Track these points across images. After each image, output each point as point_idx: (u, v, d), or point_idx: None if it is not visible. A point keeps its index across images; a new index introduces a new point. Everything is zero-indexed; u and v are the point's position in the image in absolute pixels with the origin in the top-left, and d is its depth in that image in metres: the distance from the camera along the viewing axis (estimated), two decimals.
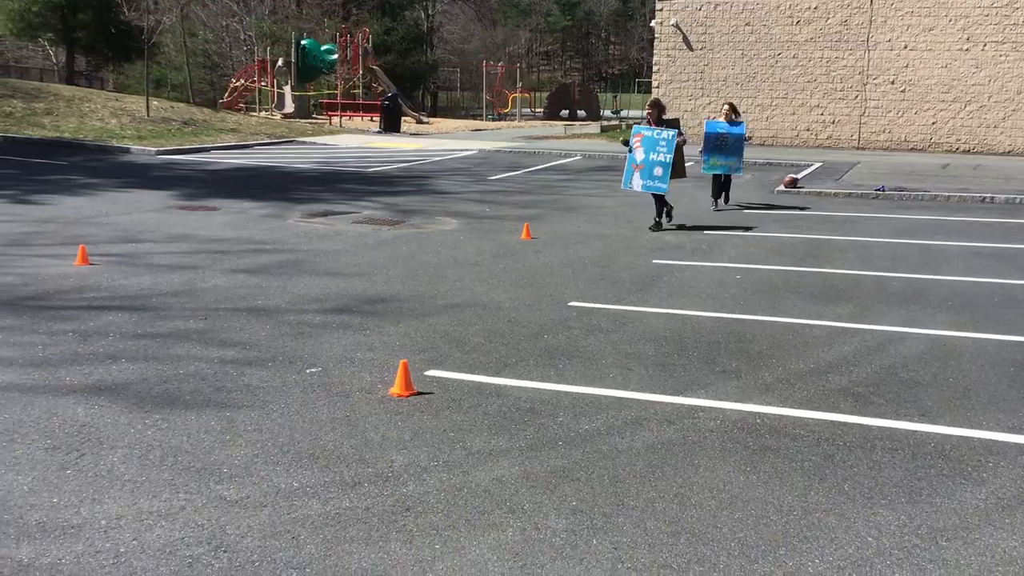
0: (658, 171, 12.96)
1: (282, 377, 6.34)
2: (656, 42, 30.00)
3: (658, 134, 13.04)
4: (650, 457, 5.11)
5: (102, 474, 4.73)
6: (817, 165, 22.66)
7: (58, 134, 24.90)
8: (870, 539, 4.19)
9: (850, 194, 17.56)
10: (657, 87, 29.88)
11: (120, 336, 7.21)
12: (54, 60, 53.64)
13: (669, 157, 12.92)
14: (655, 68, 30.08)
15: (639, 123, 14.22)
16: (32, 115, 27.08)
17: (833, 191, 17.83)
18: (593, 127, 39.29)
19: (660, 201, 13.21)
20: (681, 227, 13.24)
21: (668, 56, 29.63)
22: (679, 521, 4.36)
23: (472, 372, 6.53)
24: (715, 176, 15.39)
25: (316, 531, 4.19)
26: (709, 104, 28.86)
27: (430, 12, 63.91)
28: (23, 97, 29.02)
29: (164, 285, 9.00)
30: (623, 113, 51.68)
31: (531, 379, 6.41)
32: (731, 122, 15.25)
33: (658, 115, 13.42)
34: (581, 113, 49.24)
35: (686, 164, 14.28)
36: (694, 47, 29.29)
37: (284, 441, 5.23)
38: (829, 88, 28.09)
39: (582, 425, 5.58)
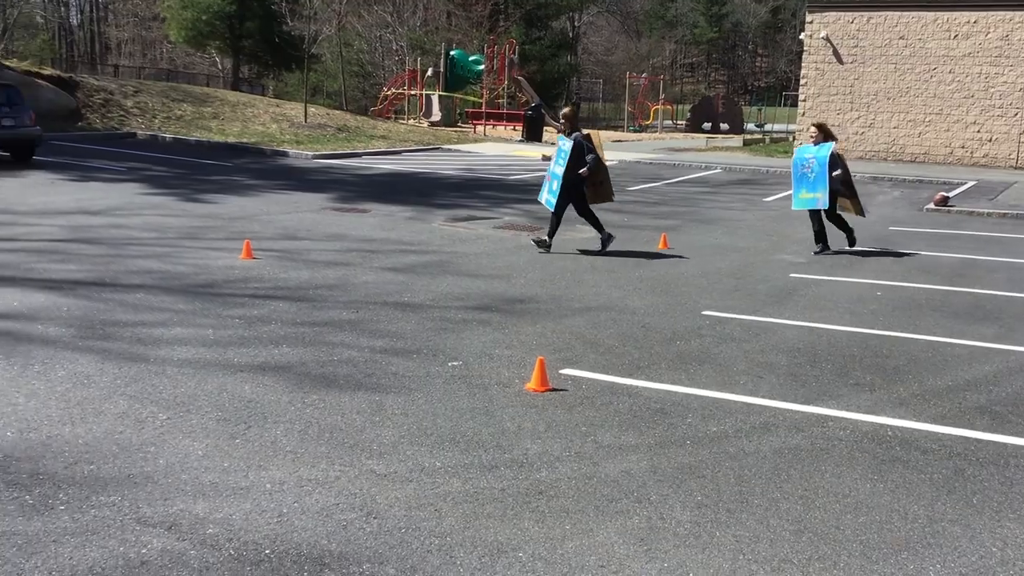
0: (554, 185, 11.76)
1: (426, 368, 6.75)
2: (804, 55, 29.47)
3: (563, 144, 11.71)
4: (776, 460, 5.24)
5: (267, 444, 5.22)
6: (970, 184, 21.81)
7: (223, 137, 26.52)
8: (994, 549, 4.23)
9: (1005, 215, 16.88)
10: (804, 100, 29.34)
11: (282, 324, 7.81)
12: (219, 67, 56.89)
13: (561, 171, 11.58)
14: (802, 81, 29.55)
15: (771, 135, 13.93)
16: (200, 119, 28.94)
17: (986, 211, 17.18)
18: (736, 140, 38.81)
19: (554, 219, 11.80)
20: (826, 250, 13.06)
21: (816, 69, 29.06)
22: (802, 521, 4.49)
23: (605, 372, 6.79)
24: (811, 213, 12.60)
25: (456, 506, 4.54)
26: (858, 119, 28.17)
27: (576, 23, 64.46)
28: (192, 102, 31.03)
29: (320, 279, 9.62)
30: (767, 127, 50.74)
31: (662, 381, 6.61)
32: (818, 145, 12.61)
33: (571, 127, 11.83)
34: (724, 126, 48.70)
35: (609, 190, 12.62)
36: (844, 60, 28.63)
37: (427, 425, 5.62)
38: (987, 105, 26.95)
39: (710, 427, 5.75)
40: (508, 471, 4.98)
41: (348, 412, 5.77)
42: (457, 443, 5.35)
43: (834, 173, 12.12)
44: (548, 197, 11.87)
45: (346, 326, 7.83)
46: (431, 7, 52.34)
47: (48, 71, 30.94)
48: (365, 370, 6.63)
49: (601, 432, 5.60)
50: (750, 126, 52.05)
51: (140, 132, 26.96)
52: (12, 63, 30.38)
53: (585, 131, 12.03)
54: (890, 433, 5.72)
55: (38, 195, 14.97)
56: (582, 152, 11.55)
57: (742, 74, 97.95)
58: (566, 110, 12.45)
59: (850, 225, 12.66)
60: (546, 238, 11.89)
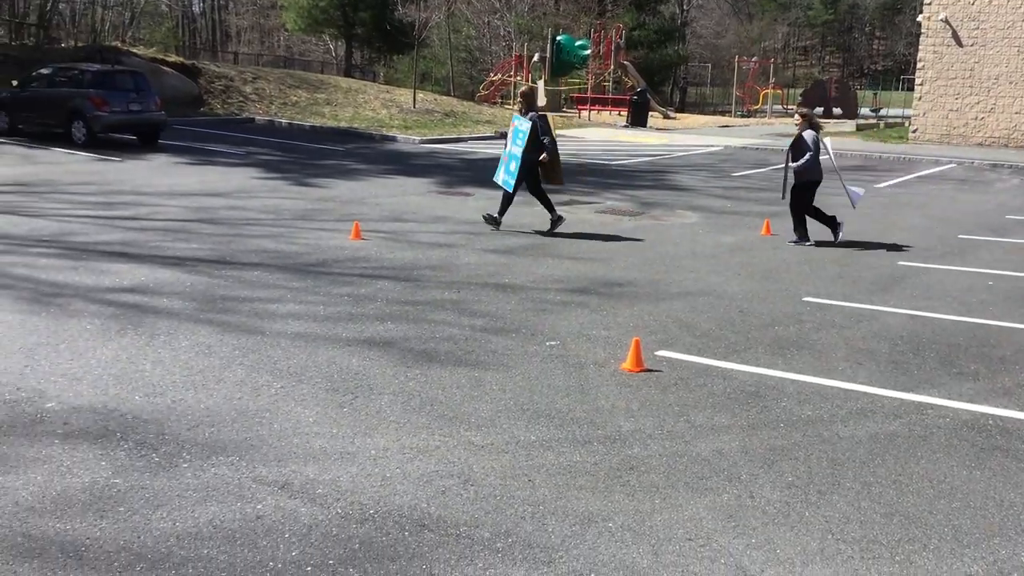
0: (512, 166, 11.69)
1: (524, 346, 6.94)
2: (922, 37, 28.46)
3: (520, 124, 11.65)
4: (871, 445, 5.24)
5: (372, 414, 5.50)
6: None
7: (336, 123, 27.29)
8: None
9: None
10: (921, 84, 28.36)
11: (387, 301, 8.12)
12: (333, 54, 58.31)
13: (519, 151, 11.54)
14: (919, 65, 28.55)
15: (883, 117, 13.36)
16: (314, 104, 29.83)
17: None
18: (848, 125, 37.74)
19: (506, 198, 11.88)
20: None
21: (935, 52, 28.03)
22: (894, 504, 4.51)
23: (700, 355, 6.85)
24: (792, 206, 11.87)
25: (549, 477, 4.72)
26: (977, 103, 27.08)
27: (684, 6, 63.55)
28: (307, 88, 31.99)
29: (424, 260, 9.92)
30: (883, 112, 49.11)
31: (758, 365, 6.64)
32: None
33: (528, 107, 11.74)
34: (837, 111, 47.31)
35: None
36: (964, 43, 27.53)
37: (524, 401, 5.81)
38: None
39: (805, 411, 5.77)
40: (601, 446, 5.13)
41: (448, 386, 6.01)
42: (552, 418, 5.53)
43: (802, 160, 11.41)
44: (505, 178, 11.83)
45: (448, 305, 8.09)
46: None
47: (173, 58, 32.35)
48: (465, 347, 6.87)
49: (694, 412, 5.69)
50: (865, 111, 50.45)
51: (258, 117, 27.97)
52: (139, 50, 31.86)
53: (540, 112, 12.01)
54: (991, 423, 5.64)
55: (163, 177, 15.78)
56: (538, 133, 11.51)
57: (858, 57, 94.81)
58: (523, 89, 12.45)
59: (829, 216, 11.78)
60: (496, 215, 11.94)
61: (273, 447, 4.94)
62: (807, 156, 11.43)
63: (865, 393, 6.13)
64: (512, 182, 11.69)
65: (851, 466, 4.95)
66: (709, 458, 5.01)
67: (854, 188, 12.48)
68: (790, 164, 11.69)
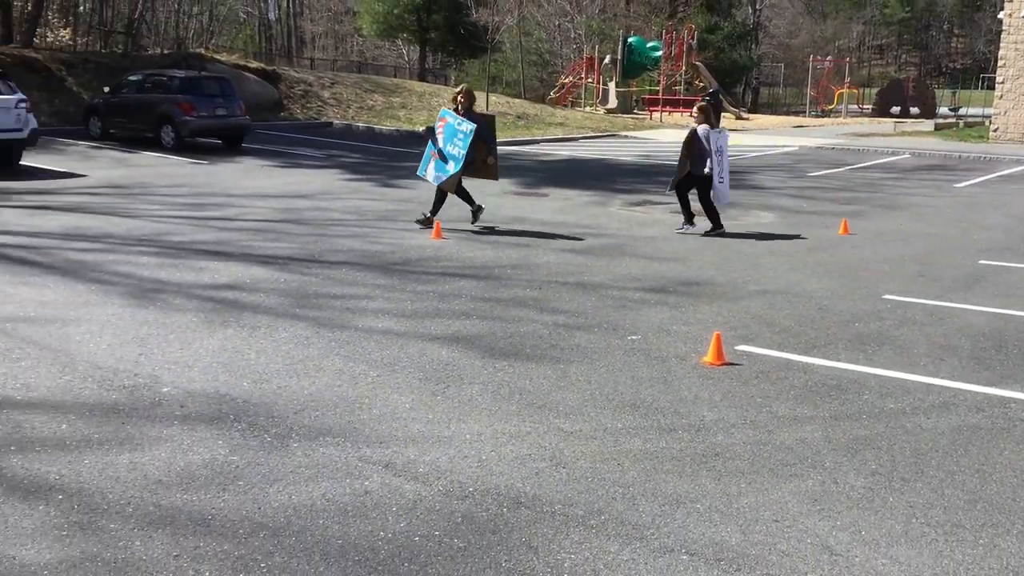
0: (450, 165, 11.56)
1: (606, 341, 7.15)
2: (1003, 35, 27.83)
3: (459, 124, 11.51)
4: (954, 437, 5.33)
5: (464, 401, 5.77)
6: None
7: (411, 126, 27.79)
8: None
9: None
10: (1002, 83, 27.73)
11: (470, 298, 8.40)
12: (406, 58, 59.18)
13: (462, 152, 11.40)
14: (1000, 63, 27.93)
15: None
16: (389, 108, 30.41)
17: None
18: (926, 125, 37.04)
19: (439, 195, 11.80)
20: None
21: (1016, 50, 27.39)
22: (977, 492, 4.61)
23: (781, 349, 6.98)
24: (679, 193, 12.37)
25: (637, 462, 4.92)
26: None
27: (757, 7, 62.91)
28: (383, 92, 32.61)
29: (504, 259, 10.19)
30: (962, 111, 48.00)
31: (838, 360, 6.74)
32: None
33: (468, 106, 11.82)
34: (914, 110, 46.44)
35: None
36: None
37: (609, 391, 6.02)
38: None
39: (887, 404, 5.87)
40: (685, 434, 5.31)
41: (535, 377, 6.25)
42: (637, 408, 5.72)
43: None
44: (438, 175, 11.69)
45: (529, 302, 8.33)
46: None
47: (254, 64, 33.30)
48: (549, 341, 7.10)
49: (776, 404, 5.84)
50: (943, 110, 49.36)
51: (336, 121, 28.65)
52: (222, 57, 32.87)
53: (480, 112, 12.06)
54: None
55: (250, 179, 16.36)
56: (480, 135, 11.56)
57: (936, 55, 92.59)
58: (462, 87, 12.46)
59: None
60: (429, 215, 11.88)
61: (375, 430, 5.23)
62: (707, 159, 11.75)
63: (948, 387, 6.19)
64: (444, 178, 11.66)
65: (934, 456, 5.05)
66: (792, 446, 5.16)
67: (725, 189, 12.42)
68: (693, 167, 11.80)
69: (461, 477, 4.66)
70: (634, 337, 7.25)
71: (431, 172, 11.89)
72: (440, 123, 11.79)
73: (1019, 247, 11.55)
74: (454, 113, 11.76)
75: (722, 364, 6.57)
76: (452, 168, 11.58)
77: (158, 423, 5.25)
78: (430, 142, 11.94)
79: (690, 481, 4.70)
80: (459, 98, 11.93)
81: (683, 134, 12.91)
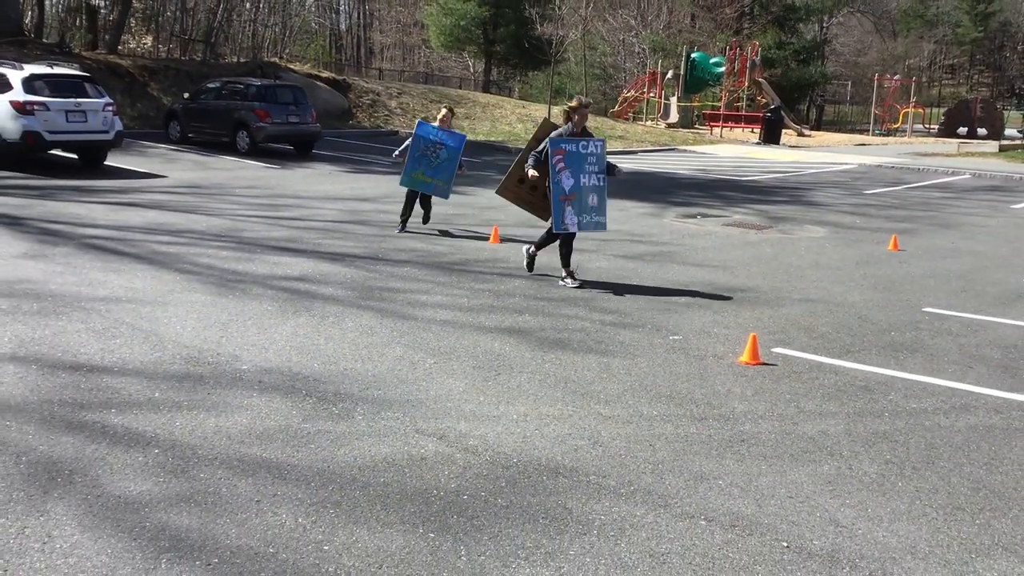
0: (593, 199, 9.79)
1: (649, 339, 7.62)
2: None
3: (583, 147, 9.66)
4: (969, 434, 5.70)
5: (512, 387, 6.29)
6: None
7: (473, 136, 28.46)
8: None
9: None
10: None
11: (523, 297, 8.93)
12: (471, 70, 60.11)
13: (603, 179, 9.98)
14: None
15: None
16: (454, 118, 31.10)
17: None
18: (990, 146, 36.62)
19: (565, 240, 9.72)
20: None
21: None
22: (982, 481, 4.99)
23: (815, 353, 7.37)
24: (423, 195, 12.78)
25: (668, 444, 5.39)
26: None
27: (825, 24, 62.56)
28: (447, 102, 33.36)
29: (558, 262, 10.66)
30: None
31: (870, 364, 7.12)
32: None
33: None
34: (981, 131, 45.79)
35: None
36: None
37: (648, 383, 6.49)
38: None
39: (910, 404, 6.25)
40: (715, 423, 5.77)
41: (580, 369, 6.75)
42: (672, 399, 6.19)
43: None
44: (599, 219, 9.91)
45: (579, 302, 8.83)
46: (675, 10, 52.80)
47: (325, 74, 34.36)
48: (595, 337, 7.59)
49: (804, 400, 6.25)
50: (1012, 132, 48.62)
51: (401, 130, 29.45)
52: (295, 66, 33.99)
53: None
54: None
55: (320, 184, 17.13)
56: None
57: (1009, 77, 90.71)
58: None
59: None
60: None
61: (430, 408, 5.78)
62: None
63: (970, 391, 6.54)
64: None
65: (946, 449, 5.43)
66: (814, 437, 5.58)
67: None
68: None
69: (507, 449, 5.18)
70: (675, 337, 7.71)
71: (570, 219, 9.60)
72: (557, 156, 9.51)
73: None
74: (569, 138, 9.64)
75: (757, 363, 7.00)
76: (597, 202, 9.85)
77: (239, 394, 5.86)
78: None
79: (715, 461, 5.16)
80: (574, 115, 9.75)
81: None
